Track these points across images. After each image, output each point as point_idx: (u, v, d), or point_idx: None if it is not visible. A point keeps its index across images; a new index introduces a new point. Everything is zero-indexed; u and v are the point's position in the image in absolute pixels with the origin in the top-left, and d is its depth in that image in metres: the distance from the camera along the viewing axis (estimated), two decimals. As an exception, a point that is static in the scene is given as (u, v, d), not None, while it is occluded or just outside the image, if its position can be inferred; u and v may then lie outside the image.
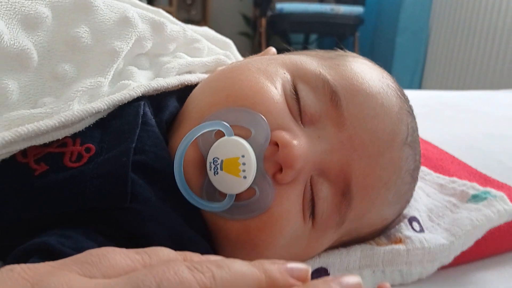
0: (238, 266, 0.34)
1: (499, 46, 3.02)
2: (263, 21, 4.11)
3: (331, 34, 4.22)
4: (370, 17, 4.06)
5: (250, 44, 4.93)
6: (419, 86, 3.73)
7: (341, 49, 0.70)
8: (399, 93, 0.61)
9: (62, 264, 0.33)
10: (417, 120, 0.66)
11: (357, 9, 3.92)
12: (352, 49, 3.88)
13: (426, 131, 1.10)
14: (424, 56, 3.79)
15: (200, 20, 4.87)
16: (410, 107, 0.63)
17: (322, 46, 4.50)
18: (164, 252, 0.36)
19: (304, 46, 4.52)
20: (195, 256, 0.37)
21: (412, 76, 3.72)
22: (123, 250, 0.34)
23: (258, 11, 4.33)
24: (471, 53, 3.26)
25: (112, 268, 0.33)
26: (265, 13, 4.11)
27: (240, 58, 0.83)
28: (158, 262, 0.34)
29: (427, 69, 3.75)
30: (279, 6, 3.92)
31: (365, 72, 0.60)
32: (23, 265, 0.32)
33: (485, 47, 3.13)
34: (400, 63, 3.65)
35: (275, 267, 0.36)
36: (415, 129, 0.63)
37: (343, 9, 3.91)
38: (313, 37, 4.75)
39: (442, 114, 1.43)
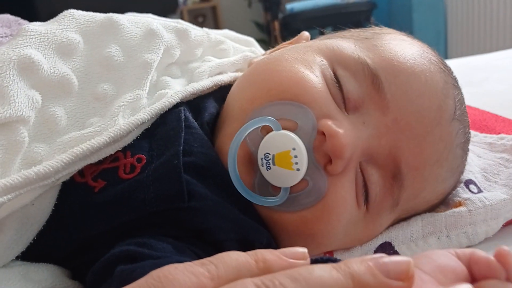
0: (318, 275, 0.29)
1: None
2: (276, 24, 4.12)
3: (346, 24, 4.15)
4: (382, -1, 4.02)
5: (267, 49, 4.95)
6: (445, 57, 3.65)
7: (376, 25, 0.69)
8: (442, 66, 0.60)
9: None
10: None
11: (368, -6, 3.88)
12: (369, 34, 3.84)
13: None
14: (445, 27, 3.70)
15: (214, 35, 4.93)
16: (454, 79, 0.62)
17: (338, 37, 4.46)
18: (232, 258, 0.33)
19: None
20: (268, 254, 0.33)
21: (436, 49, 3.63)
22: (186, 265, 0.32)
23: (270, 15, 4.34)
24: (492, 14, 3.17)
25: None
26: (276, 16, 4.12)
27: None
28: (226, 271, 0.32)
29: (450, 39, 3.66)
30: (289, 6, 3.93)
31: (405, 50, 0.58)
32: None
33: (506, 4, 3.04)
34: (421, 38, 3.55)
35: (365, 268, 0.30)
36: (462, 101, 0.61)
37: (353, -3, 3.88)
38: (328, 30, 4.72)
39: (474, 78, 1.40)
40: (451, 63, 1.61)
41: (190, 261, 0.42)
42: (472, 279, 0.38)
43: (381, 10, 4.01)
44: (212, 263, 0.32)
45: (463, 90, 1.21)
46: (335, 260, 0.37)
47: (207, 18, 5.06)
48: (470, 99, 1.09)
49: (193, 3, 4.94)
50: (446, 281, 0.37)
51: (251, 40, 0.85)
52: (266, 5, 4.41)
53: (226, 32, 0.84)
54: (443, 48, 3.71)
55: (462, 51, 3.46)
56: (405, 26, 3.86)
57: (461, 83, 1.34)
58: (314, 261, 0.38)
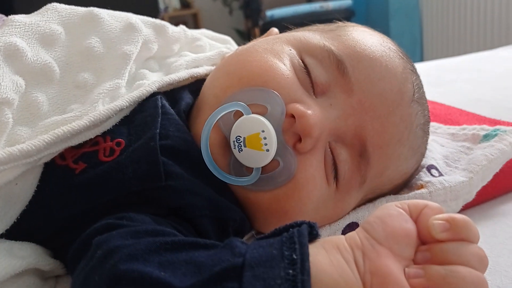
0: None
1: (492, 5, 3.03)
2: (257, 31, 4.18)
3: (325, 31, 4.27)
4: (360, 7, 4.11)
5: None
6: (420, 62, 3.73)
7: (340, 21, 0.74)
8: (400, 54, 0.64)
9: None
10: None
11: (346, 2, 3.97)
12: (348, 41, 3.93)
13: (433, 96, 1.13)
14: (421, 34, 3.81)
15: (196, 42, 4.96)
16: (413, 66, 0.66)
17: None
18: None
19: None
20: None
21: (412, 56, 3.71)
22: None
23: (250, 23, 4.40)
24: (466, 21, 3.27)
25: None
26: (257, 23, 4.18)
27: (240, 50, 0.87)
28: None
29: (426, 47, 3.76)
30: (269, 13, 3.99)
31: (366, 38, 0.63)
32: None
33: (479, 11, 3.14)
34: (398, 45, 3.64)
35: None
36: (420, 86, 0.66)
37: (332, 4, 3.97)
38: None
39: (445, 79, 1.45)
40: (424, 65, 1.69)
41: (167, 230, 0.46)
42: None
43: (359, 18, 4.11)
44: None
45: (434, 90, 1.27)
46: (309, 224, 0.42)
47: (188, 25, 5.04)
48: (440, 97, 1.16)
49: (174, 10, 4.98)
50: (400, 247, 0.40)
51: (228, 38, 0.89)
52: (247, 12, 4.48)
53: (203, 31, 0.87)
54: (419, 53, 3.81)
55: (437, 56, 3.56)
56: (382, 33, 3.96)
57: (432, 83, 1.39)
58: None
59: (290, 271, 0.36)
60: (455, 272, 0.38)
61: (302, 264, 0.37)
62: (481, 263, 0.39)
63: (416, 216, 0.42)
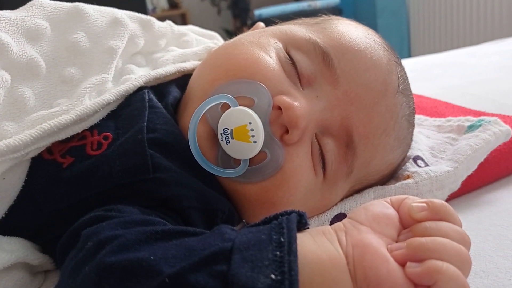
0: None
1: (478, 3, 3.07)
2: (245, 31, 4.17)
3: (313, 29, 4.29)
4: (347, 5, 4.12)
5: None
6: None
7: (325, 14, 0.75)
8: (385, 46, 0.65)
9: None
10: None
11: (334, 1, 4.00)
12: (336, 39, 3.95)
13: (420, 90, 1.14)
14: (408, 32, 3.84)
15: (184, 42, 4.96)
16: (397, 58, 0.67)
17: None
18: None
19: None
20: None
21: (400, 52, 3.76)
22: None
23: (239, 22, 4.41)
24: (452, 18, 3.31)
25: None
26: (245, 22, 4.20)
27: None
28: None
29: (413, 43, 3.80)
30: (257, 12, 4.00)
31: (351, 31, 0.63)
32: None
33: (465, 8, 3.18)
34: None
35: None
36: (405, 77, 0.67)
37: (319, 3, 3.99)
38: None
39: (431, 73, 1.47)
40: (411, 61, 1.70)
41: (157, 219, 0.46)
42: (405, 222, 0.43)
43: (347, 16, 4.04)
44: None
45: (421, 85, 1.28)
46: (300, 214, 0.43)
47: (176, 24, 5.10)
48: (426, 92, 1.17)
49: (162, 10, 4.97)
50: (381, 226, 0.43)
51: (215, 34, 0.89)
52: (235, 12, 4.48)
53: (190, 27, 0.87)
54: (406, 50, 3.85)
55: (424, 52, 3.58)
56: (370, 30, 3.98)
57: (419, 78, 1.41)
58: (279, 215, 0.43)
59: (278, 253, 0.37)
60: (434, 240, 0.39)
61: (289, 246, 0.38)
62: (462, 239, 0.41)
63: (398, 206, 0.45)
